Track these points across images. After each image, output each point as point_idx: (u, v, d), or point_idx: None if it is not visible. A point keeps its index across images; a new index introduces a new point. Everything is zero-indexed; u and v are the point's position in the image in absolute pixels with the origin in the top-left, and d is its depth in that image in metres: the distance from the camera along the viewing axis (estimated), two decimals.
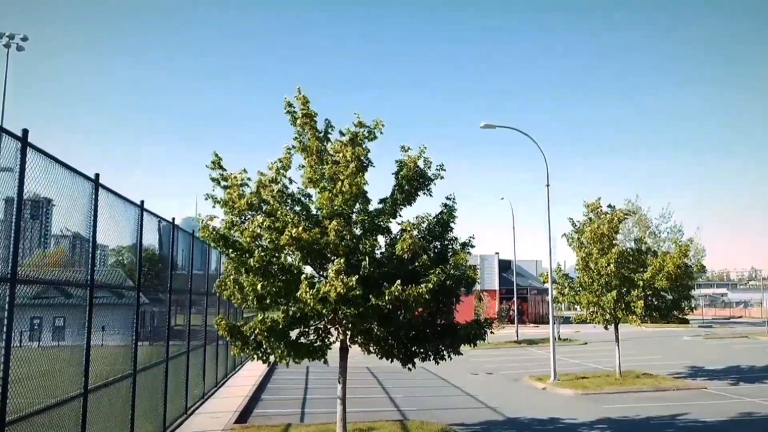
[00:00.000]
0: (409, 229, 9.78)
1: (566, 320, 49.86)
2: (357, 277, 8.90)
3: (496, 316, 40.60)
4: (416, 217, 10.91)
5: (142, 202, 9.97)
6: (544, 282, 23.37)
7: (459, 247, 10.97)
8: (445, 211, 11.21)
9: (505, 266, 57.15)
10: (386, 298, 8.93)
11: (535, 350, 32.46)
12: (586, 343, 35.22)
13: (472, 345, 10.39)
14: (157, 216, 11.11)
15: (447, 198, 11.35)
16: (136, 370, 9.57)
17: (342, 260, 9.01)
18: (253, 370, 21.78)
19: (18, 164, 5.80)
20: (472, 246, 11.19)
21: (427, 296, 9.03)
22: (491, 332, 10.65)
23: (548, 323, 22.89)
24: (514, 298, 42.38)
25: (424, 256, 9.68)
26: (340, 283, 8.71)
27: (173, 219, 12.23)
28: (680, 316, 51.56)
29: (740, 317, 70.38)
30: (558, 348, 31.65)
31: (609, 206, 21.62)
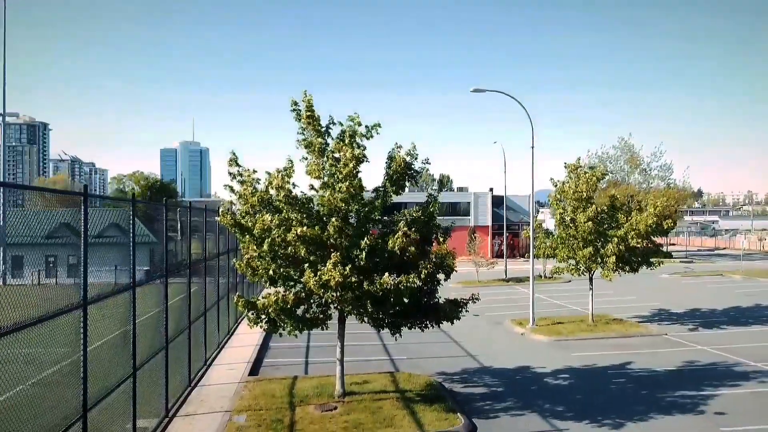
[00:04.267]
0: (401, 227, 11.35)
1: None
2: (350, 266, 10.61)
3: (489, 258, 42.80)
4: (407, 212, 12.47)
5: (165, 201, 11.47)
6: (526, 237, 25.14)
7: (441, 233, 12.59)
8: (430, 201, 12.75)
9: (498, 202, 58.89)
10: (377, 287, 10.69)
11: (521, 289, 34.77)
12: (570, 281, 37.45)
13: (451, 322, 12.29)
14: (179, 205, 12.66)
15: (432, 189, 12.86)
16: (168, 341, 11.45)
17: (338, 254, 10.69)
18: None
19: (82, 212, 7.31)
20: (449, 236, 12.78)
21: (414, 286, 10.79)
22: (471, 303, 12.48)
23: (538, 257, 24.65)
24: (504, 237, 44.42)
25: (413, 248, 11.32)
26: (338, 273, 10.44)
27: (190, 203, 13.75)
28: (664, 251, 53.98)
29: (725, 248, 73.04)
30: (542, 287, 34.04)
31: (590, 167, 23.12)
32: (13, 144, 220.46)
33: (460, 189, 60.37)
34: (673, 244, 77.30)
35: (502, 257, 47.03)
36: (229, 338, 19.57)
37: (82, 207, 7.29)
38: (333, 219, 10.97)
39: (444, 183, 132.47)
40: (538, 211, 73.58)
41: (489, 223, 57.90)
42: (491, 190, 59.65)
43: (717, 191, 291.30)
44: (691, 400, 13.10)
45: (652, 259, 22.20)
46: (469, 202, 57.85)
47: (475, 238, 41.20)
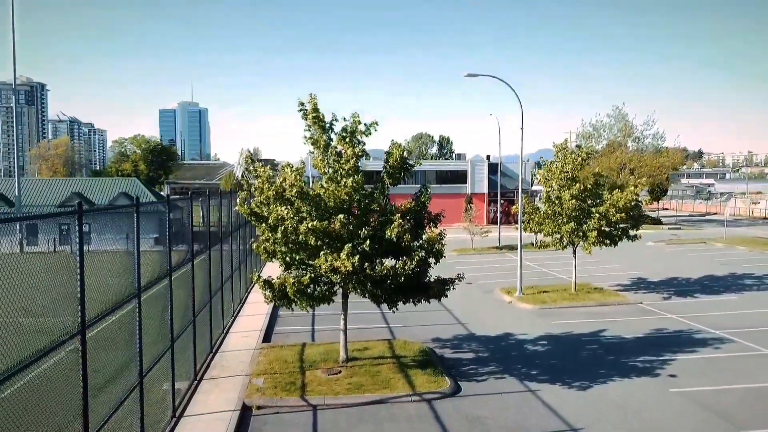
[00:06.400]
0: (397, 218, 13.04)
1: None
2: (358, 256, 12.34)
3: (485, 225, 44.57)
4: (403, 204, 14.12)
5: (190, 194, 13.08)
6: (515, 213, 26.81)
7: (432, 220, 14.29)
8: (422, 191, 14.38)
9: (495, 169, 60.35)
10: (378, 271, 12.46)
11: (513, 257, 36.48)
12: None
13: (438, 299, 14.13)
14: (200, 195, 14.29)
15: (426, 180, 14.46)
16: (195, 315, 13.25)
17: (349, 245, 12.40)
18: None
19: (135, 220, 8.93)
20: (439, 220, 14.44)
21: (410, 271, 12.55)
22: (458, 282, 14.26)
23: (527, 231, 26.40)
24: (498, 205, 46.09)
25: (408, 235, 13.03)
26: (349, 263, 12.18)
27: (208, 192, 15.34)
28: (653, 217, 55.76)
29: (715, 214, 74.78)
30: (533, 255, 35.88)
31: (577, 146, 24.67)
32: (12, 105, 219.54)
33: (458, 156, 61.75)
34: (666, 209, 79.02)
35: (494, 223, 48.87)
36: (242, 306, 21.46)
37: (135, 216, 8.90)
38: (340, 216, 12.62)
39: (444, 145, 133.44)
40: (533, 176, 75.06)
41: (485, 190, 59.51)
42: (488, 157, 61.02)
43: (719, 151, 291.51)
44: (650, 365, 15.01)
45: (631, 233, 23.84)
46: (466, 170, 59.38)
47: (471, 207, 42.84)
